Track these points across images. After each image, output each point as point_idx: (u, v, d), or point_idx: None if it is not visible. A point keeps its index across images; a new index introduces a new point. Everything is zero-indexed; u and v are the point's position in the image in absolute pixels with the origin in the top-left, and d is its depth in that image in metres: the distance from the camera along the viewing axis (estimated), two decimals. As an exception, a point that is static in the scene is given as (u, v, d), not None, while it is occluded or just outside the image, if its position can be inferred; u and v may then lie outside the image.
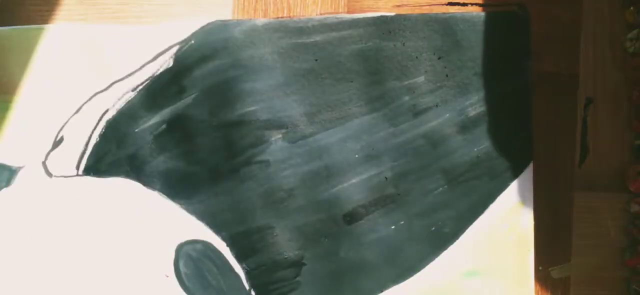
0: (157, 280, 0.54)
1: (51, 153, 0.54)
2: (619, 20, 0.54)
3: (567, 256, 0.54)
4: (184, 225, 0.54)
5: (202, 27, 0.53)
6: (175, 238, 0.54)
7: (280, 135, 0.54)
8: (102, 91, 0.54)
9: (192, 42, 0.53)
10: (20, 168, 0.54)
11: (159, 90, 0.53)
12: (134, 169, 0.54)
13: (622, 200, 0.54)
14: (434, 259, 0.54)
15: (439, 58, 0.54)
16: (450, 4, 0.54)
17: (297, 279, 0.54)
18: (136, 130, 0.54)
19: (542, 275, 0.54)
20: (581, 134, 0.54)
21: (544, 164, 0.54)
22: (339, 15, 0.54)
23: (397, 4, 0.54)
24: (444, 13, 0.54)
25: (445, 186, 0.54)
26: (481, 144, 0.54)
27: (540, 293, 0.54)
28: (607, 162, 0.55)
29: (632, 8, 0.54)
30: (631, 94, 0.54)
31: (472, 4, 0.54)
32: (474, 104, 0.53)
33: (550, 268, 0.54)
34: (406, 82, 0.54)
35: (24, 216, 0.54)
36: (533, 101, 0.54)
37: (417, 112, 0.54)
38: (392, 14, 0.54)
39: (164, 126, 0.54)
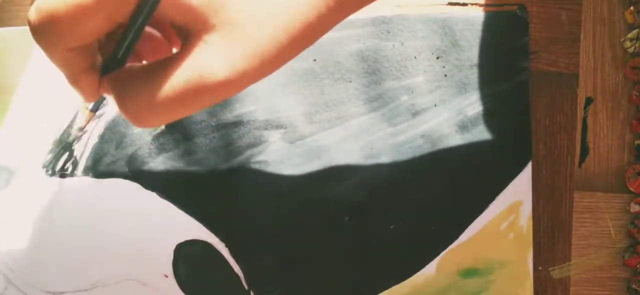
0: (156, 281, 0.54)
1: (50, 154, 0.54)
2: (619, 20, 0.54)
3: (567, 256, 0.54)
4: (183, 225, 0.54)
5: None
6: (174, 238, 0.54)
7: (278, 136, 0.54)
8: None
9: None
10: (19, 169, 0.54)
11: (157, 91, 0.53)
12: (133, 169, 0.54)
13: (622, 200, 0.54)
14: (434, 258, 0.54)
15: (438, 58, 0.54)
16: (450, 4, 0.54)
17: (296, 279, 0.54)
18: (134, 130, 0.54)
19: (542, 275, 0.54)
20: (581, 133, 0.54)
21: (544, 163, 0.54)
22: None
23: (398, 3, 0.54)
24: (443, 13, 0.54)
25: (444, 185, 0.54)
26: (480, 143, 0.53)
27: (540, 293, 0.54)
28: (607, 162, 0.55)
29: (632, 8, 0.54)
30: (631, 94, 0.54)
31: (472, 4, 0.54)
32: (473, 104, 0.53)
33: (550, 268, 0.54)
34: (405, 82, 0.54)
35: (22, 217, 0.54)
36: (533, 101, 0.54)
37: (416, 112, 0.54)
38: (391, 13, 0.54)
39: (162, 127, 0.53)
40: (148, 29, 0.39)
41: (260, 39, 0.34)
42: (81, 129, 0.53)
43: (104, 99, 0.41)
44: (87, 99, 0.38)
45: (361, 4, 0.38)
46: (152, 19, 0.33)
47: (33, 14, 0.33)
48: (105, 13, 0.33)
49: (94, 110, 0.45)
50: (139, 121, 0.35)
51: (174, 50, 0.40)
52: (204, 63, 0.33)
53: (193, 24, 0.33)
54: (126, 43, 0.35)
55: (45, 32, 0.33)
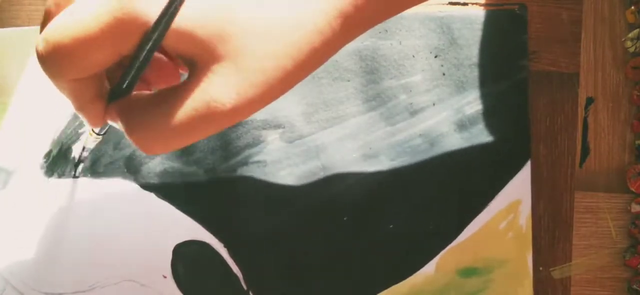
0: (155, 282, 0.54)
1: (48, 155, 0.54)
2: (620, 20, 0.54)
3: (568, 256, 0.54)
4: (181, 226, 0.54)
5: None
6: (173, 239, 0.54)
7: (277, 135, 0.54)
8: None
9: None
10: (16, 170, 0.54)
11: (155, 91, 0.53)
12: (131, 170, 0.54)
13: (623, 200, 0.54)
14: (433, 257, 0.54)
15: (436, 56, 0.54)
16: (451, 3, 0.54)
17: (295, 279, 0.54)
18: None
19: (543, 276, 0.54)
20: (582, 133, 0.54)
21: (544, 163, 0.54)
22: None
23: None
24: (440, 11, 0.54)
25: (443, 184, 0.54)
26: (478, 142, 0.53)
27: (541, 293, 0.54)
28: (607, 162, 0.54)
29: (632, 8, 0.54)
30: (632, 94, 0.54)
31: (472, 4, 0.54)
32: (471, 102, 0.53)
33: (551, 268, 0.54)
34: (403, 81, 0.54)
35: (20, 218, 0.54)
36: (533, 101, 0.54)
37: (414, 111, 0.53)
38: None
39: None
40: (156, 55, 0.39)
41: (267, 67, 0.34)
42: (87, 150, 0.53)
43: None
44: (93, 125, 0.39)
45: (365, 27, 0.38)
46: (159, 47, 0.33)
47: (40, 44, 0.34)
48: (111, 45, 0.33)
49: (101, 133, 0.45)
50: (148, 149, 0.35)
51: (182, 73, 0.41)
52: (212, 93, 0.34)
53: (200, 55, 0.34)
54: (132, 74, 0.35)
55: (53, 63, 0.34)
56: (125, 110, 0.36)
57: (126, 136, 0.36)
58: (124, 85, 0.35)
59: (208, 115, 0.34)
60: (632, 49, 0.54)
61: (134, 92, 0.36)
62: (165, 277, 0.54)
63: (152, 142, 0.35)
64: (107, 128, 0.44)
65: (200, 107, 0.34)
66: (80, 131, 0.54)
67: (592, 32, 0.54)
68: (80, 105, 0.37)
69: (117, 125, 0.37)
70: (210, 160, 0.54)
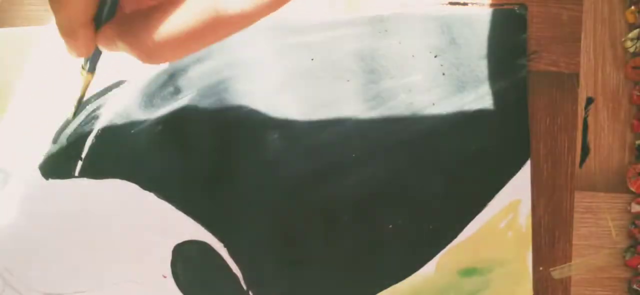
0: (154, 282, 0.54)
1: (47, 155, 0.54)
2: (620, 20, 0.54)
3: (568, 256, 0.54)
4: (181, 226, 0.54)
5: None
6: (172, 239, 0.54)
7: (276, 135, 0.53)
8: (97, 93, 0.54)
9: (188, 42, 0.53)
10: (15, 171, 0.54)
11: (154, 91, 0.53)
12: (130, 170, 0.54)
13: (623, 200, 0.54)
14: (432, 257, 0.54)
15: (436, 56, 0.53)
16: (451, 3, 0.54)
17: (295, 279, 0.54)
18: (132, 131, 0.54)
19: (542, 276, 0.54)
20: (582, 133, 0.54)
21: (544, 163, 0.54)
22: (335, 15, 0.54)
23: (398, 3, 0.54)
24: (440, 11, 0.54)
25: (443, 184, 0.54)
26: (478, 142, 0.53)
27: (541, 293, 0.54)
28: (607, 162, 0.54)
29: (632, 8, 0.54)
30: (632, 94, 0.54)
31: (473, 4, 0.54)
32: (471, 102, 0.53)
33: (551, 268, 0.54)
34: (403, 81, 0.53)
35: (19, 219, 0.54)
36: (533, 101, 0.54)
37: (414, 111, 0.53)
38: (388, 12, 0.53)
39: (160, 127, 0.53)
40: None
41: None
42: (81, 99, 0.46)
43: (100, 56, 0.39)
44: (82, 53, 0.37)
45: None
46: None
47: None
48: None
49: (92, 70, 0.42)
50: (152, 56, 0.33)
51: None
52: None
53: None
54: None
55: None
56: (126, 22, 0.34)
57: (128, 50, 0.34)
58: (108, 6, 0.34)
59: (214, 19, 0.32)
60: (632, 49, 0.54)
61: (134, 8, 0.35)
62: (165, 277, 0.54)
63: (158, 48, 0.33)
64: (96, 62, 0.42)
65: (206, 10, 0.32)
66: (80, 131, 0.54)
67: (592, 32, 0.54)
68: (73, 28, 0.35)
69: (113, 47, 0.35)
70: (210, 160, 0.54)
